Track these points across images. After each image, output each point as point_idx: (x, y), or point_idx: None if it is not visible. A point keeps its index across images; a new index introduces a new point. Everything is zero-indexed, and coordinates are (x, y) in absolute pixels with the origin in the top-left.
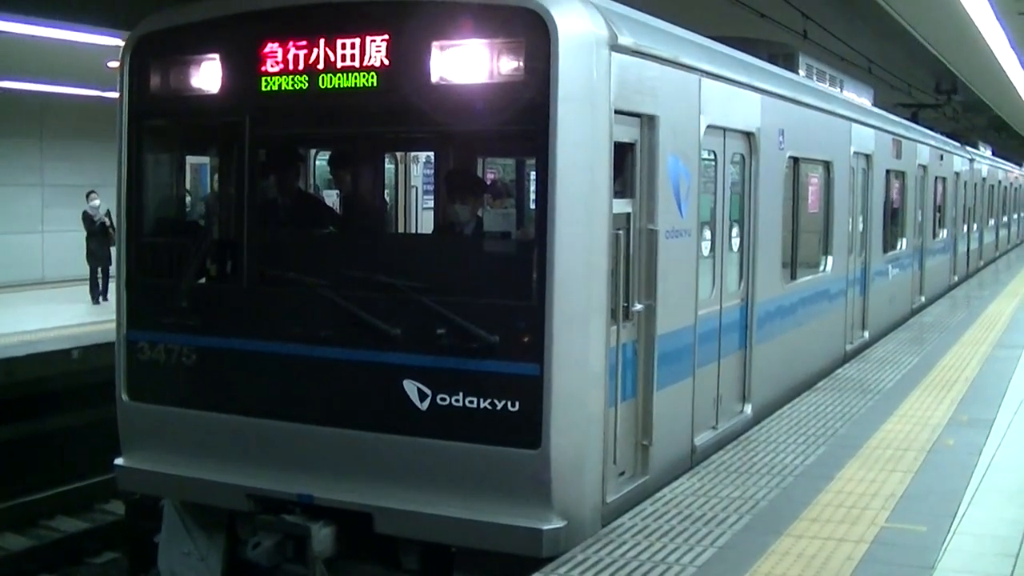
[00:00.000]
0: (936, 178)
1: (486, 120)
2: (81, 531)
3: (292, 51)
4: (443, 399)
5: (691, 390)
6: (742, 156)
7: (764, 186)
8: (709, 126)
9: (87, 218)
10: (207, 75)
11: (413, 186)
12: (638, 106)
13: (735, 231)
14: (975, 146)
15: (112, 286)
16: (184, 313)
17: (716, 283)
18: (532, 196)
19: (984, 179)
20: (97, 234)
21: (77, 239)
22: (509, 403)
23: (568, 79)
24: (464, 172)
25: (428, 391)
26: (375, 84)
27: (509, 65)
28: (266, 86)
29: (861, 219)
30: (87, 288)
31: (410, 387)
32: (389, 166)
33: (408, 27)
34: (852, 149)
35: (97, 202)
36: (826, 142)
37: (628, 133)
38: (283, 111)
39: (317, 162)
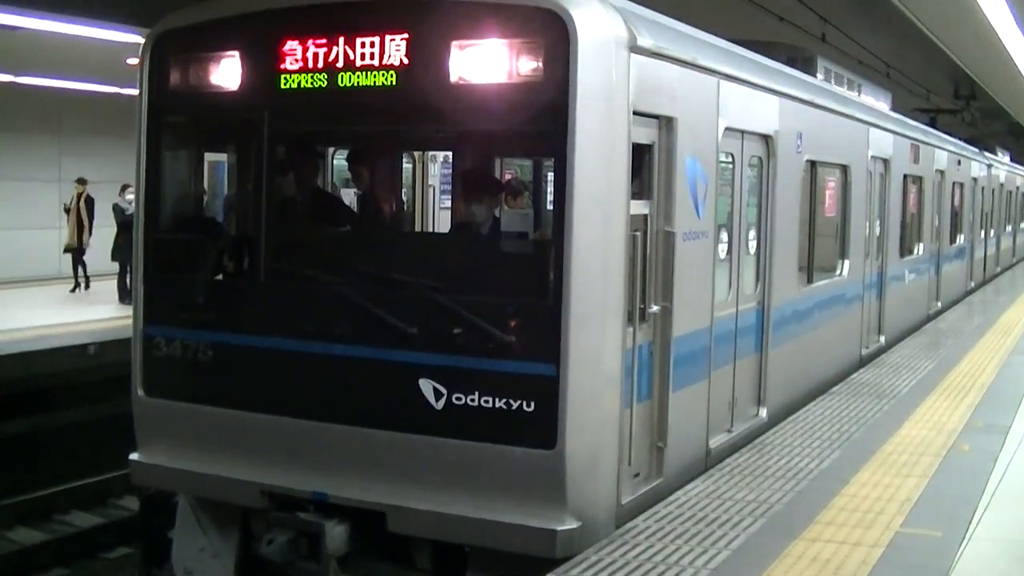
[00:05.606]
0: (954, 183)
1: (504, 120)
2: (95, 526)
3: (311, 49)
4: (459, 398)
5: (706, 393)
6: (760, 159)
7: (781, 189)
8: (727, 128)
9: (118, 211)
10: (226, 72)
11: (430, 185)
12: (656, 107)
13: (752, 234)
14: (993, 152)
15: None
16: (201, 309)
17: (732, 286)
18: (549, 196)
19: (1002, 185)
20: (128, 229)
21: (94, 235)
22: (524, 403)
23: (587, 80)
24: (481, 172)
25: (444, 390)
26: (394, 83)
27: (528, 65)
28: (285, 84)
29: (878, 223)
30: (100, 284)
31: (426, 386)
32: (407, 165)
33: (428, 26)
34: (870, 153)
35: (131, 196)
36: (844, 146)
37: (646, 134)
38: (302, 109)
39: (335, 160)
